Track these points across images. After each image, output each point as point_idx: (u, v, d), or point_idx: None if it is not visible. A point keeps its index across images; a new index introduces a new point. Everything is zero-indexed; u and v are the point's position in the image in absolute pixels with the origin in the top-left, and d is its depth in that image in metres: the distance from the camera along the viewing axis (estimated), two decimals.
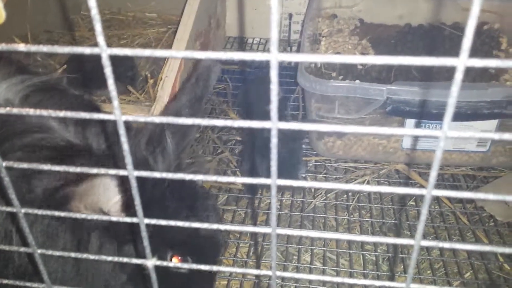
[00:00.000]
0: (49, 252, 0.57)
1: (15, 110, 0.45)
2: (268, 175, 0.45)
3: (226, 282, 1.50)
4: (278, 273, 0.52)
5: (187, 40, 1.83)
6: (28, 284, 0.60)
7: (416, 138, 1.84)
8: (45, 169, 0.49)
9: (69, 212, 0.89)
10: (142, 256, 0.95)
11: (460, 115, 1.67)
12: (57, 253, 0.57)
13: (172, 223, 0.50)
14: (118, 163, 0.94)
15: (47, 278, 0.59)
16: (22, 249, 0.58)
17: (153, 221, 0.51)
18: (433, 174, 0.42)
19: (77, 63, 1.98)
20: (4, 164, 0.49)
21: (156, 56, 0.42)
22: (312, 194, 1.83)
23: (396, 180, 1.88)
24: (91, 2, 0.39)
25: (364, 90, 1.64)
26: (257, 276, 1.51)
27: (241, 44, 2.60)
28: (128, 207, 0.92)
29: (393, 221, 1.72)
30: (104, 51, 0.41)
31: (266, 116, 0.49)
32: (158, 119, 0.46)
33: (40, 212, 0.53)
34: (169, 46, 2.31)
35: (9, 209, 0.53)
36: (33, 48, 0.43)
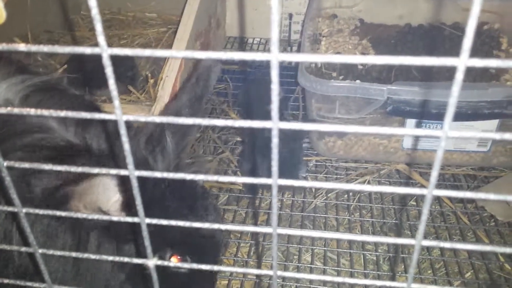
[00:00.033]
0: (50, 252, 0.57)
1: (16, 110, 0.45)
2: (268, 175, 0.45)
3: (227, 281, 1.50)
4: (279, 272, 0.52)
5: (187, 40, 1.83)
6: (29, 284, 0.60)
7: (416, 138, 1.84)
8: (45, 169, 0.49)
9: (69, 211, 0.89)
10: (141, 255, 0.95)
11: (461, 115, 1.67)
12: (58, 253, 0.57)
13: (173, 222, 0.50)
14: (119, 162, 0.94)
15: (48, 278, 0.59)
16: (23, 249, 0.58)
17: (154, 221, 0.51)
18: (434, 174, 0.42)
19: (78, 63, 1.98)
20: (5, 164, 0.49)
21: (157, 56, 0.42)
22: (312, 194, 1.83)
23: (396, 180, 1.88)
24: (92, 2, 0.39)
25: (365, 90, 1.64)
26: (258, 276, 1.51)
27: (241, 44, 2.60)
28: (127, 207, 0.92)
29: (394, 221, 1.72)
30: (105, 51, 0.41)
31: (266, 116, 0.49)
32: (158, 119, 0.46)
33: (41, 212, 0.53)
34: (169, 46, 2.31)
35: (10, 209, 0.53)
36: (34, 48, 0.43)
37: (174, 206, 1.00)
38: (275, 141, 0.43)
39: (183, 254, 1.00)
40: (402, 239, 0.50)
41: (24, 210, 0.53)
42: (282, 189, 1.81)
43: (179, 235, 0.99)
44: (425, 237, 1.64)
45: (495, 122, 1.74)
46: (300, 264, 1.55)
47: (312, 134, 1.95)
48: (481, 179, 1.88)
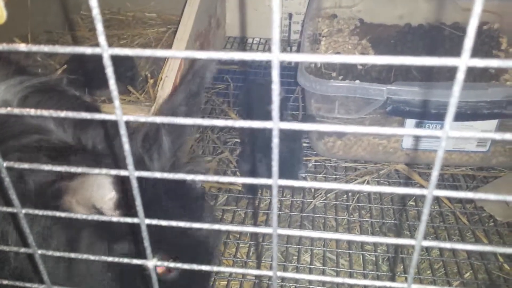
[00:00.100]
0: (49, 252, 0.56)
1: (16, 111, 0.45)
2: (268, 175, 0.45)
3: (226, 282, 1.49)
4: (279, 273, 0.52)
5: (187, 40, 1.83)
6: (28, 284, 0.60)
7: (416, 138, 1.84)
8: (45, 169, 0.49)
9: (64, 209, 0.89)
10: (133, 255, 0.95)
11: (460, 115, 1.67)
12: (58, 254, 0.57)
13: (174, 223, 0.50)
14: (118, 162, 0.94)
15: (47, 278, 0.59)
16: (23, 249, 0.57)
17: (154, 221, 0.51)
18: (435, 174, 0.42)
19: (77, 63, 1.98)
20: (4, 164, 0.49)
21: (157, 56, 0.42)
22: (312, 194, 1.83)
23: (396, 180, 1.88)
24: (93, 1, 0.39)
25: (364, 90, 1.64)
26: (257, 277, 1.51)
27: (241, 44, 2.60)
28: (121, 206, 0.92)
29: (393, 221, 1.72)
30: (106, 51, 0.41)
31: (266, 116, 0.49)
32: (159, 119, 0.46)
33: (41, 212, 0.53)
34: (169, 46, 2.31)
35: (9, 209, 0.53)
36: (34, 48, 0.43)
37: (169, 207, 0.99)
38: (275, 141, 0.43)
39: (173, 257, 0.99)
40: (402, 240, 0.50)
41: (23, 211, 0.53)
42: (281, 189, 1.81)
43: (169, 237, 0.98)
44: (425, 237, 1.63)
45: (494, 122, 1.74)
46: (299, 265, 1.55)
47: (312, 134, 1.95)
48: (480, 179, 1.88)
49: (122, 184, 0.90)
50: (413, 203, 1.79)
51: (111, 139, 1.03)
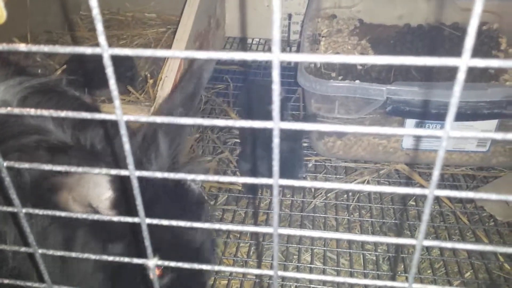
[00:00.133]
0: (50, 251, 0.56)
1: (16, 111, 0.45)
2: (268, 175, 0.45)
3: (227, 281, 1.50)
4: (279, 272, 0.52)
5: (187, 41, 1.83)
6: (28, 284, 0.60)
7: (416, 138, 1.84)
8: (46, 169, 0.49)
9: (60, 206, 0.89)
10: (129, 254, 0.94)
11: (460, 115, 1.67)
12: (58, 253, 0.57)
13: (174, 223, 0.50)
14: (118, 162, 0.94)
15: (47, 278, 0.59)
16: (23, 249, 0.57)
17: (155, 221, 0.51)
18: (436, 173, 0.42)
19: (77, 64, 1.98)
20: (5, 164, 0.49)
21: (156, 56, 0.42)
22: (312, 194, 1.83)
23: (396, 180, 1.88)
24: (93, 2, 0.39)
25: (364, 90, 1.64)
26: (258, 276, 1.51)
27: (241, 44, 2.60)
28: (117, 205, 0.91)
29: (393, 221, 1.72)
30: (106, 51, 0.41)
31: (266, 116, 0.49)
32: (159, 119, 0.46)
33: (41, 212, 0.53)
34: (168, 46, 2.31)
35: (10, 209, 0.53)
36: (34, 48, 0.43)
37: (167, 208, 0.99)
38: (276, 141, 0.43)
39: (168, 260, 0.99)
40: (403, 239, 0.50)
41: (24, 210, 0.53)
42: (281, 188, 1.81)
43: (165, 247, 0.96)
44: (425, 237, 1.63)
45: (494, 122, 1.74)
46: (300, 264, 1.55)
47: (312, 134, 1.95)
48: (480, 179, 1.88)
49: (119, 183, 0.89)
50: (413, 203, 1.79)
51: (111, 139, 1.02)
